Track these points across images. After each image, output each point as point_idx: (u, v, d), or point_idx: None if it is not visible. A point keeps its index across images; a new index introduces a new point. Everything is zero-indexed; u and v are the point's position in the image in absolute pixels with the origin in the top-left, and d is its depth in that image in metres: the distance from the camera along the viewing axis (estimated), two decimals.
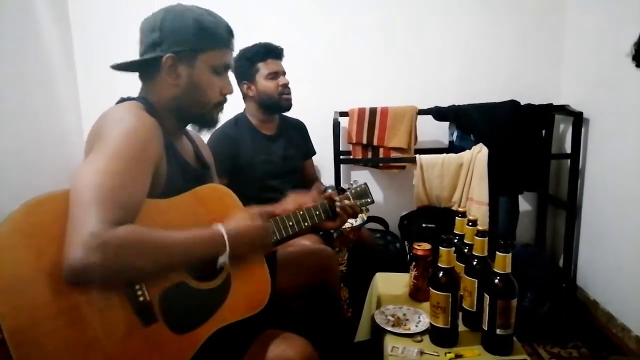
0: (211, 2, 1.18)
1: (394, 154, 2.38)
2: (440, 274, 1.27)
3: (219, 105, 1.16)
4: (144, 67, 1.12)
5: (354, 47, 2.49)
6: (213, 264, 1.00)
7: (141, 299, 0.91)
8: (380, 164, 2.49)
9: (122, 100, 1.11)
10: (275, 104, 2.01)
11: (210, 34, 1.09)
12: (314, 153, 2.29)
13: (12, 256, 0.83)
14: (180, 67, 1.08)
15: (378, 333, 1.43)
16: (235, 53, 1.20)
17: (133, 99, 1.11)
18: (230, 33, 1.13)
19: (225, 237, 1.00)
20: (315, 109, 2.37)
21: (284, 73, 2.02)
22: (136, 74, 1.15)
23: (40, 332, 0.83)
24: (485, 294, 1.25)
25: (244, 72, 2.00)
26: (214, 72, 1.12)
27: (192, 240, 0.97)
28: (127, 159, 0.92)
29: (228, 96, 1.18)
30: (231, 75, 1.21)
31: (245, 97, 2.05)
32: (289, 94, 2.02)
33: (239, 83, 2.02)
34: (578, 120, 2.23)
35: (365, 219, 1.93)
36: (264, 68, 1.98)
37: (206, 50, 1.09)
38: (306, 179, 2.22)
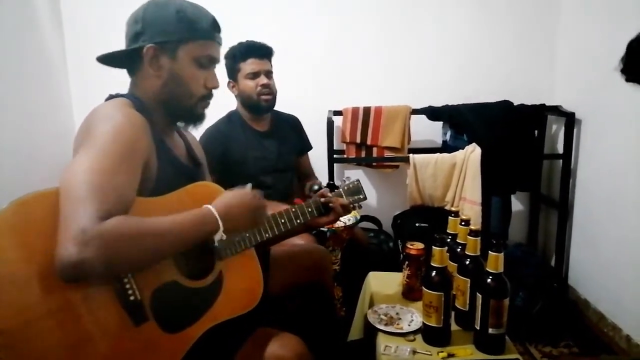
0: (206, 1, 1.17)
1: (387, 154, 2.38)
2: (433, 273, 1.27)
3: (204, 99, 1.14)
4: (129, 60, 1.11)
5: (349, 46, 2.49)
6: (205, 261, 1.00)
7: (132, 298, 0.91)
8: (374, 163, 2.49)
9: (111, 97, 1.10)
10: (255, 104, 2.00)
11: (192, 25, 1.08)
12: (310, 148, 2.28)
13: (1, 254, 0.82)
14: (162, 59, 1.07)
15: (371, 332, 1.43)
16: (223, 48, 1.19)
17: (121, 95, 1.10)
18: (214, 26, 1.12)
19: (216, 213, 0.99)
20: (309, 107, 2.37)
21: (266, 72, 1.99)
22: (126, 71, 1.15)
23: (30, 333, 0.81)
24: (477, 294, 1.25)
25: (229, 71, 2.01)
26: (198, 65, 1.10)
27: (184, 223, 0.95)
28: (116, 157, 0.91)
29: (222, 93, 1.17)
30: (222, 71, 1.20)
31: (235, 95, 2.06)
32: (269, 94, 1.99)
33: (228, 82, 2.02)
34: (570, 120, 2.24)
35: (359, 217, 1.93)
36: (244, 68, 1.98)
37: (188, 42, 1.08)
38: (302, 174, 2.22)
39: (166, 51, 1.07)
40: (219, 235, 0.99)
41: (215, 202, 1.03)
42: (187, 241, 0.96)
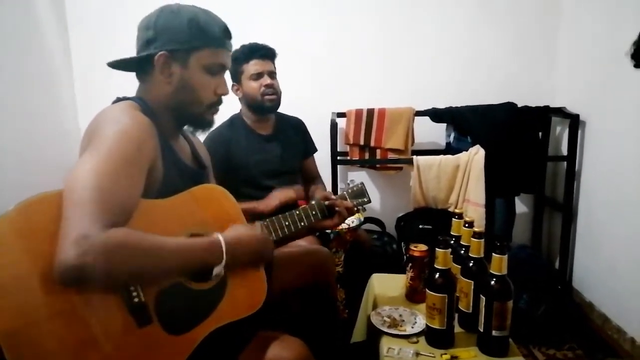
0: (208, 2, 1.18)
1: (391, 155, 2.38)
2: (437, 275, 1.27)
3: (213, 106, 1.15)
4: (139, 65, 1.12)
5: (352, 48, 2.50)
6: (209, 271, 1.00)
7: (136, 300, 0.91)
8: (377, 165, 2.49)
9: (118, 100, 1.11)
10: (259, 105, 2.00)
11: (204, 33, 1.08)
12: (315, 151, 2.28)
13: (6, 257, 0.83)
14: (173, 66, 1.08)
15: (374, 334, 1.43)
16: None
17: (129, 98, 1.10)
18: (226, 33, 1.13)
19: (224, 246, 0.99)
20: (312, 109, 2.37)
21: (269, 73, 2.00)
22: (133, 74, 1.15)
23: (34, 334, 0.82)
24: (481, 296, 1.25)
25: (232, 74, 2.01)
26: (208, 72, 1.11)
27: (187, 248, 0.96)
28: (121, 160, 0.92)
29: (225, 97, 1.17)
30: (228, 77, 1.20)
31: (239, 98, 2.06)
32: (273, 94, 2.00)
33: (232, 85, 2.03)
34: (574, 122, 2.24)
35: (362, 219, 1.93)
36: (247, 69, 1.98)
37: (200, 49, 1.08)
38: (307, 177, 2.22)
39: (177, 59, 1.07)
40: (219, 269, 0.99)
41: (226, 232, 1.03)
42: (187, 266, 0.97)
